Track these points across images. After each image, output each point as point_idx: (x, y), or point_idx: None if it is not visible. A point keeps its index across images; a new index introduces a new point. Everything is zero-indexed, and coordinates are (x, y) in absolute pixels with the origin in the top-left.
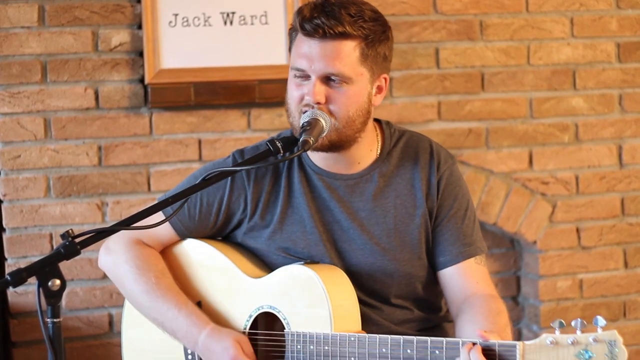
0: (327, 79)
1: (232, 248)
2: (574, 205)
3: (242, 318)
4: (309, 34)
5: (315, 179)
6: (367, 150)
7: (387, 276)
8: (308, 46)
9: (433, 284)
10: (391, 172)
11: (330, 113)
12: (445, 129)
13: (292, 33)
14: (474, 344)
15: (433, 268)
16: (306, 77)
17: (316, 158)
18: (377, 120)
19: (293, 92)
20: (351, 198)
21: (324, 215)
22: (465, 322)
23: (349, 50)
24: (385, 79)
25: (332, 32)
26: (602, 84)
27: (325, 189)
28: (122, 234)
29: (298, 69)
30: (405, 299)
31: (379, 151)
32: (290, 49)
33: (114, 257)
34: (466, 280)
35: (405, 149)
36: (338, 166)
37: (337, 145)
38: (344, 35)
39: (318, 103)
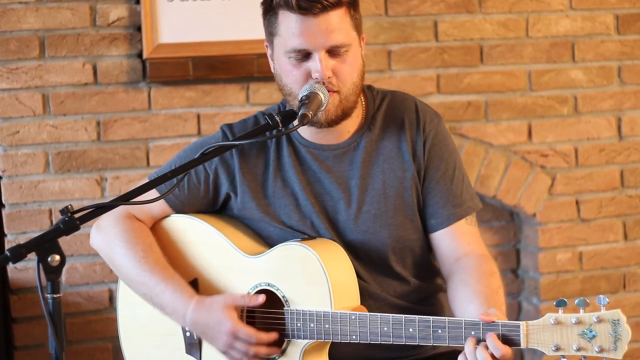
0: (328, 52)
1: (228, 224)
2: (573, 177)
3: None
4: (305, 11)
5: (303, 151)
6: (354, 116)
7: (381, 243)
8: (305, 24)
9: (427, 246)
10: (377, 136)
11: (338, 84)
12: (444, 102)
13: (271, 17)
14: (477, 341)
15: (425, 230)
16: (306, 55)
17: (305, 131)
18: None
19: (294, 74)
20: (340, 168)
21: (314, 187)
22: (457, 284)
23: (343, 18)
24: (363, 38)
25: (328, 3)
26: (601, 56)
27: (314, 160)
28: (113, 210)
29: (298, 50)
30: (402, 266)
31: (363, 116)
32: (271, 33)
33: (104, 234)
34: (458, 241)
35: (390, 110)
36: (328, 137)
37: (347, 113)
38: (336, 5)
39: (329, 77)
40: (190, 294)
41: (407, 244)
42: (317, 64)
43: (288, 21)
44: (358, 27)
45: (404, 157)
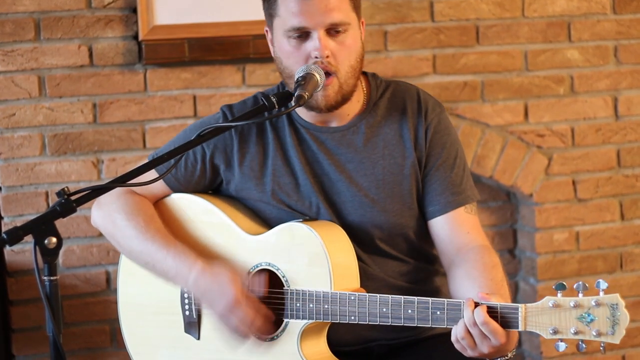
0: (327, 32)
1: (229, 204)
2: (569, 157)
3: None
4: None
5: (303, 132)
6: (355, 101)
7: (378, 227)
8: (305, 3)
9: (425, 234)
10: (378, 122)
11: (336, 65)
12: (440, 82)
13: None
14: (476, 303)
15: (424, 218)
16: (305, 35)
17: (305, 113)
18: (362, 72)
19: (294, 55)
20: (339, 150)
21: (313, 168)
22: (461, 278)
23: None
24: (363, 22)
25: None
26: (597, 36)
27: (314, 142)
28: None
29: (297, 29)
30: (398, 251)
31: (365, 102)
32: (271, 14)
33: (105, 209)
34: (456, 229)
35: (392, 98)
36: (328, 119)
37: (347, 98)
38: None
39: (327, 56)
40: (194, 257)
41: (404, 231)
42: (316, 42)
43: (288, 1)
44: (357, 9)
45: (405, 144)
